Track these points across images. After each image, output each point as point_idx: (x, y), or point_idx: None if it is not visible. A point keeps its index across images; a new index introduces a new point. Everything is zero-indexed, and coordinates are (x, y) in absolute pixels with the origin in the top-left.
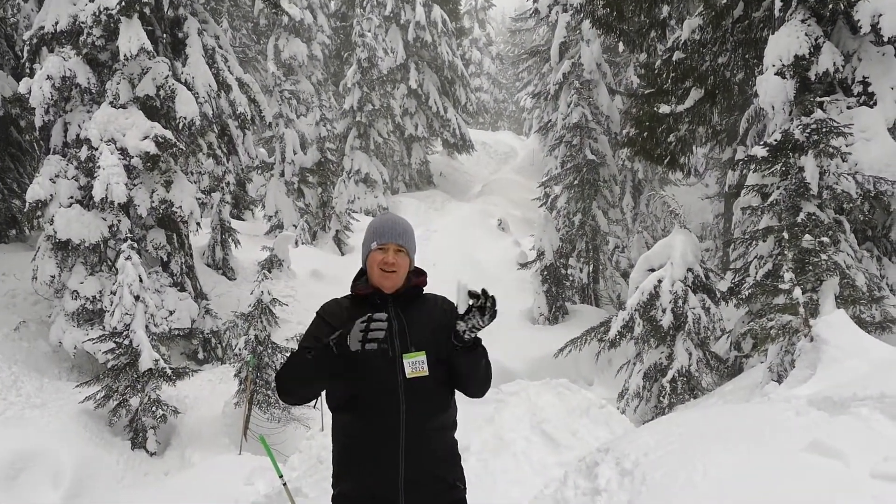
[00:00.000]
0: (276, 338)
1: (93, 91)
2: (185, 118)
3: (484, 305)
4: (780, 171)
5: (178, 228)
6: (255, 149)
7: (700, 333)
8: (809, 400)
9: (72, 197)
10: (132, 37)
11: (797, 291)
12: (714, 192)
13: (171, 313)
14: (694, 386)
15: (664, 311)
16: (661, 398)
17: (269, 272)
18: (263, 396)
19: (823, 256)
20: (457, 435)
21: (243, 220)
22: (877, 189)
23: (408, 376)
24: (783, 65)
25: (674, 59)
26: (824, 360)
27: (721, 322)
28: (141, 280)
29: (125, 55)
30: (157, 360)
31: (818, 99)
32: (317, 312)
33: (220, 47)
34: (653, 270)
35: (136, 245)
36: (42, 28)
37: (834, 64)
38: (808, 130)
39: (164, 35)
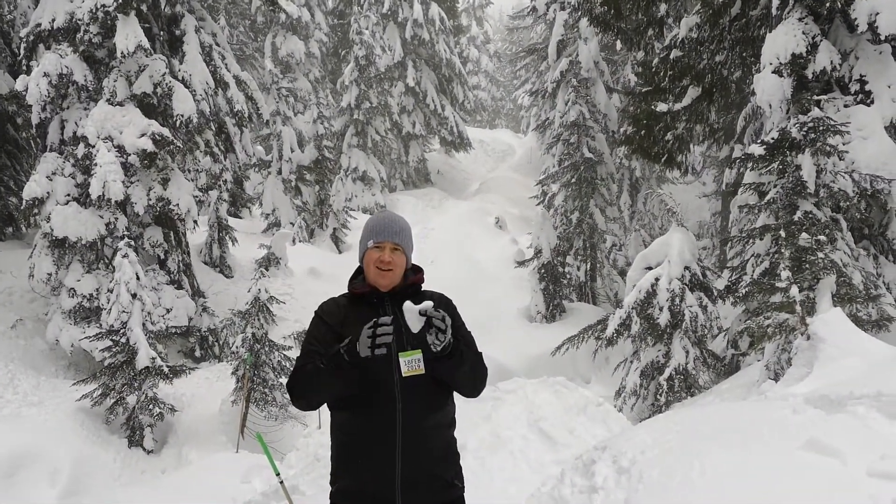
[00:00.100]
0: (273, 336)
1: (90, 88)
2: (182, 116)
3: (433, 323)
4: (778, 169)
5: (175, 226)
6: (252, 146)
7: (697, 331)
8: (806, 398)
9: (69, 194)
10: (129, 34)
11: (794, 290)
12: (711, 191)
13: (168, 311)
14: (691, 384)
15: (661, 309)
16: (658, 396)
17: (267, 270)
18: (260, 394)
19: (820, 255)
20: (455, 433)
21: (241, 217)
22: (873, 187)
23: (404, 374)
24: (780, 63)
25: (671, 57)
26: (821, 359)
27: (718, 320)
28: (138, 278)
29: (122, 52)
30: (153, 358)
31: (815, 97)
32: (315, 312)
33: (218, 45)
34: (650, 268)
35: (133, 243)
36: (39, 25)
37: (831, 62)
38: (805, 129)
39: (162, 32)
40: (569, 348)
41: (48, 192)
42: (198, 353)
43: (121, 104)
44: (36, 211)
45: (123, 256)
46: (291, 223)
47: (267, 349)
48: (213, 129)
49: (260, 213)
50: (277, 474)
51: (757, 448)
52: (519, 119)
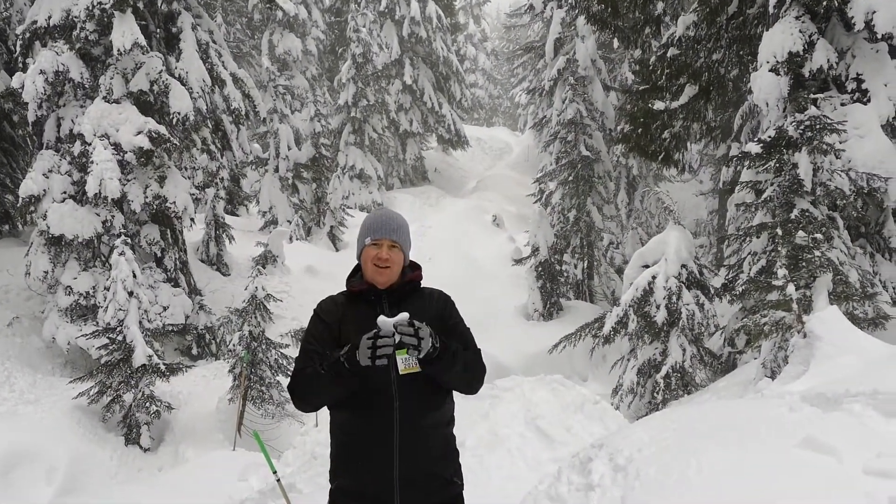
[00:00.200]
0: (270, 333)
1: (86, 86)
2: (178, 113)
3: (403, 341)
4: (774, 167)
5: (171, 224)
6: (249, 144)
7: (694, 329)
8: (803, 396)
9: (65, 192)
10: (126, 31)
11: (791, 288)
12: (708, 189)
13: (164, 309)
14: (688, 382)
15: (658, 307)
16: (654, 394)
17: (264, 268)
18: (257, 392)
19: (817, 253)
20: (454, 431)
21: (237, 215)
22: (870, 186)
23: (401, 372)
24: (777, 61)
25: (668, 55)
26: (817, 357)
27: (715, 318)
28: (135, 276)
29: (119, 50)
30: (150, 356)
31: (812, 96)
32: (314, 310)
33: (214, 42)
34: (647, 267)
35: (129, 241)
36: (35, 22)
37: (828, 61)
38: (802, 127)
39: (158, 30)
40: (566, 346)
41: (44, 190)
42: (195, 351)
43: (117, 102)
44: (32, 208)
45: (120, 254)
46: (288, 221)
47: (264, 347)
48: (210, 126)
49: (257, 210)
50: (274, 472)
51: (753, 446)
52: (516, 117)
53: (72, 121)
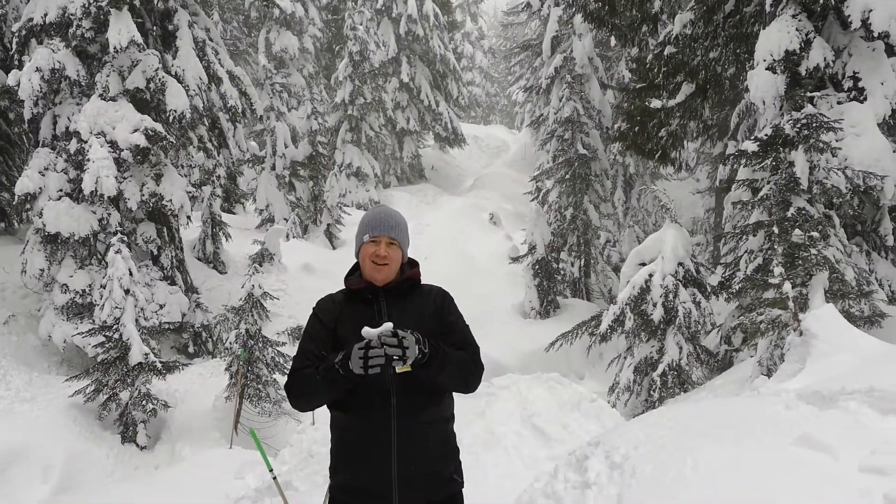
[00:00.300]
0: (267, 332)
1: (82, 83)
2: (175, 111)
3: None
4: (771, 165)
5: (168, 222)
6: (245, 142)
7: (690, 327)
8: (799, 394)
9: (61, 190)
10: (122, 29)
11: (787, 286)
12: (705, 187)
13: (161, 307)
14: (684, 380)
15: (655, 305)
16: (651, 392)
17: (260, 266)
18: (254, 390)
19: (813, 251)
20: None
21: (234, 213)
22: (866, 184)
23: (397, 370)
24: (774, 60)
25: (665, 53)
26: (813, 355)
27: (711, 316)
28: (131, 274)
29: (115, 47)
30: (147, 354)
31: (809, 94)
32: (312, 309)
33: (211, 40)
34: (644, 265)
35: (125, 238)
36: (31, 20)
37: (824, 59)
38: (799, 125)
39: (155, 27)
40: (563, 344)
41: (40, 188)
42: (191, 349)
43: (113, 99)
44: (28, 206)
45: (116, 252)
46: (285, 219)
47: (261, 345)
48: (207, 124)
49: (253, 208)
50: (271, 470)
51: (750, 444)
52: (513, 115)
53: (68, 118)
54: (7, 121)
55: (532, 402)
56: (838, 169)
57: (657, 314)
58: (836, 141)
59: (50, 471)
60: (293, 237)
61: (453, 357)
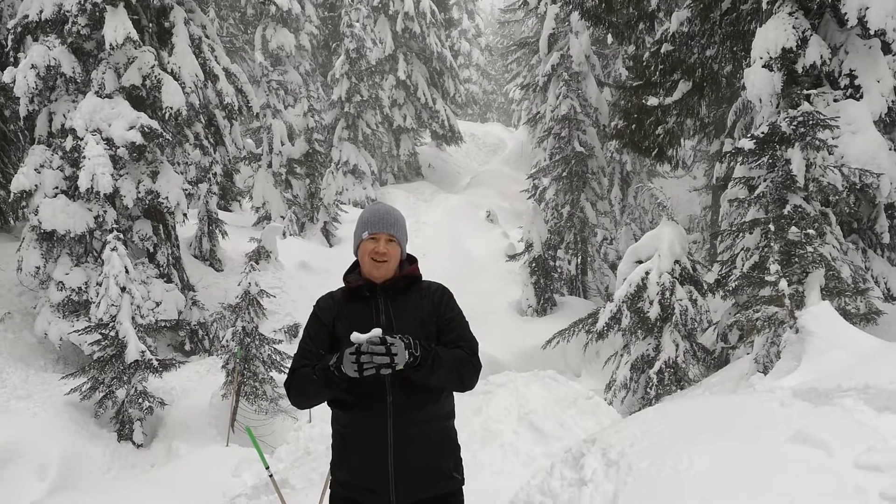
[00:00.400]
0: (263, 329)
1: (78, 80)
2: (171, 108)
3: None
4: (767, 163)
5: (164, 219)
6: (242, 139)
7: (687, 325)
8: (794, 391)
9: (57, 187)
10: (118, 26)
11: (783, 283)
12: (702, 185)
13: (157, 305)
14: (681, 377)
15: (651, 302)
16: (648, 389)
17: (257, 263)
18: (251, 388)
19: (809, 248)
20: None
21: (230, 211)
22: (862, 181)
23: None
24: (771, 57)
25: (662, 51)
26: (809, 352)
27: (708, 314)
28: (127, 271)
29: (111, 44)
30: (143, 352)
31: (805, 92)
32: (313, 307)
33: (207, 37)
34: (640, 262)
35: (122, 236)
36: (26, 16)
37: (821, 57)
38: (795, 123)
39: (151, 24)
40: (559, 342)
41: (36, 185)
42: (188, 347)
43: (109, 96)
44: (24, 203)
45: (112, 250)
46: (282, 216)
47: (257, 343)
48: (203, 121)
49: (250, 206)
50: (267, 468)
51: (745, 441)
52: (510, 113)
53: (64, 115)
54: (3, 118)
55: (529, 400)
56: (834, 166)
57: (654, 312)
58: (833, 138)
59: (46, 469)
60: (290, 235)
61: (447, 358)
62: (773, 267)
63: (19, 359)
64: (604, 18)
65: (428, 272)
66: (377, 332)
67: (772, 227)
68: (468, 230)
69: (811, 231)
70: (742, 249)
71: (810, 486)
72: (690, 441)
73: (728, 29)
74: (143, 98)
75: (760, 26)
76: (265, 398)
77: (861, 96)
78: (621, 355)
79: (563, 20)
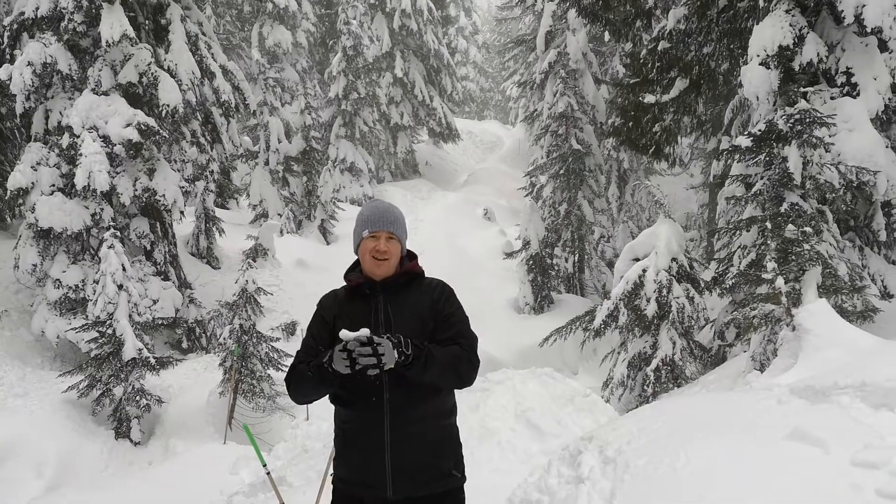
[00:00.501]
0: (261, 327)
1: (74, 78)
2: (168, 105)
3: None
4: (764, 161)
5: (161, 217)
6: (239, 137)
7: (684, 323)
8: (791, 388)
9: (53, 185)
10: (114, 23)
11: (780, 281)
12: (699, 182)
13: (154, 302)
14: (678, 375)
15: (649, 300)
16: (645, 387)
17: (254, 261)
18: (248, 386)
19: (806, 246)
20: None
21: (228, 208)
22: (859, 179)
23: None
24: (767, 55)
25: (659, 48)
26: (806, 349)
27: (705, 311)
28: (124, 269)
29: (107, 41)
30: (140, 350)
31: (802, 89)
32: (317, 305)
33: (204, 34)
34: (637, 260)
35: (118, 234)
36: (22, 13)
37: (818, 54)
38: (792, 121)
39: (147, 21)
40: (557, 339)
41: (33, 183)
42: (185, 345)
43: (106, 94)
44: (21, 201)
45: (109, 247)
46: (279, 214)
47: (255, 340)
48: (200, 119)
49: (247, 203)
50: (264, 465)
51: (742, 438)
52: (507, 110)
53: (60, 113)
54: None
55: (526, 397)
56: (831, 164)
57: (651, 309)
58: (830, 136)
59: (43, 466)
60: (287, 232)
61: (441, 355)
62: (770, 265)
63: (16, 356)
64: (601, 15)
65: (425, 270)
66: (364, 332)
67: (769, 224)
68: (465, 228)
69: (808, 229)
70: (739, 247)
71: (807, 483)
72: (687, 438)
73: (725, 26)
74: (139, 95)
75: (757, 24)
76: (263, 396)
77: (858, 94)
78: (618, 353)
79: (560, 17)
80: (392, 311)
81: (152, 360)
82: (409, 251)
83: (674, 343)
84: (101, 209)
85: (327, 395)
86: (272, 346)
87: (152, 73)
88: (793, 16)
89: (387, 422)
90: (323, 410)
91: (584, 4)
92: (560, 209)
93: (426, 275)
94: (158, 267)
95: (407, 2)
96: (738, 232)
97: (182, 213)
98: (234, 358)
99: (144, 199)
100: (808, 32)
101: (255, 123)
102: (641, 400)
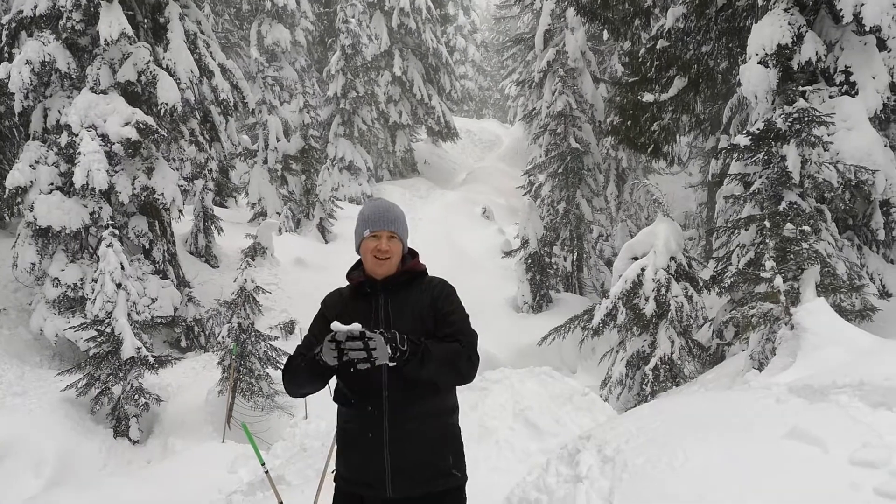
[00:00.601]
0: (259, 326)
1: (73, 76)
2: (166, 104)
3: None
4: (763, 160)
5: (160, 216)
6: (238, 136)
7: (682, 321)
8: (790, 387)
9: (52, 183)
10: (113, 21)
11: (778, 280)
12: (697, 181)
13: (153, 301)
14: (676, 374)
15: (647, 299)
16: (643, 386)
17: (253, 260)
18: (247, 384)
19: (804, 245)
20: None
21: (226, 207)
22: (858, 178)
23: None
24: (766, 54)
25: (658, 47)
26: (804, 348)
27: (703, 310)
28: (122, 267)
29: (106, 40)
30: (139, 348)
31: (801, 88)
32: (321, 303)
33: (202, 33)
34: (636, 259)
35: (117, 232)
36: (21, 12)
37: (816, 53)
38: (791, 120)
39: (145, 20)
40: (555, 338)
41: (31, 181)
42: (183, 343)
43: (104, 92)
44: (19, 200)
45: (108, 246)
46: (278, 213)
47: (253, 339)
48: (199, 117)
49: (246, 202)
50: (263, 464)
51: (741, 437)
52: (506, 109)
53: (59, 111)
54: None
55: (524, 396)
56: (830, 163)
57: (649, 308)
58: (828, 135)
59: (42, 465)
60: (285, 231)
61: (439, 352)
62: (769, 263)
63: (15, 355)
64: (599, 14)
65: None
66: (356, 326)
67: (767, 223)
68: (464, 226)
69: (806, 228)
70: (737, 246)
71: (805, 482)
72: (686, 437)
73: (724, 25)
74: (138, 94)
75: (756, 22)
76: (261, 395)
77: (856, 93)
78: (617, 352)
79: (558, 16)
80: (392, 310)
81: (151, 359)
82: (410, 249)
83: (672, 342)
84: (100, 208)
85: (327, 396)
86: (271, 345)
87: (151, 72)
88: (791, 14)
89: (386, 419)
90: (322, 409)
91: (582, 3)
92: (559, 208)
93: (428, 273)
94: (157, 265)
95: (406, 0)
96: (736, 231)
97: (181, 211)
98: (233, 357)
99: (143, 198)
100: (806, 31)
101: (254, 122)
102: (640, 399)
